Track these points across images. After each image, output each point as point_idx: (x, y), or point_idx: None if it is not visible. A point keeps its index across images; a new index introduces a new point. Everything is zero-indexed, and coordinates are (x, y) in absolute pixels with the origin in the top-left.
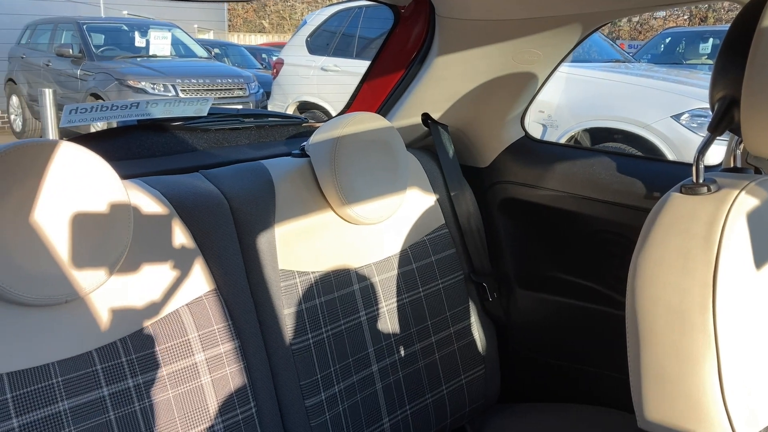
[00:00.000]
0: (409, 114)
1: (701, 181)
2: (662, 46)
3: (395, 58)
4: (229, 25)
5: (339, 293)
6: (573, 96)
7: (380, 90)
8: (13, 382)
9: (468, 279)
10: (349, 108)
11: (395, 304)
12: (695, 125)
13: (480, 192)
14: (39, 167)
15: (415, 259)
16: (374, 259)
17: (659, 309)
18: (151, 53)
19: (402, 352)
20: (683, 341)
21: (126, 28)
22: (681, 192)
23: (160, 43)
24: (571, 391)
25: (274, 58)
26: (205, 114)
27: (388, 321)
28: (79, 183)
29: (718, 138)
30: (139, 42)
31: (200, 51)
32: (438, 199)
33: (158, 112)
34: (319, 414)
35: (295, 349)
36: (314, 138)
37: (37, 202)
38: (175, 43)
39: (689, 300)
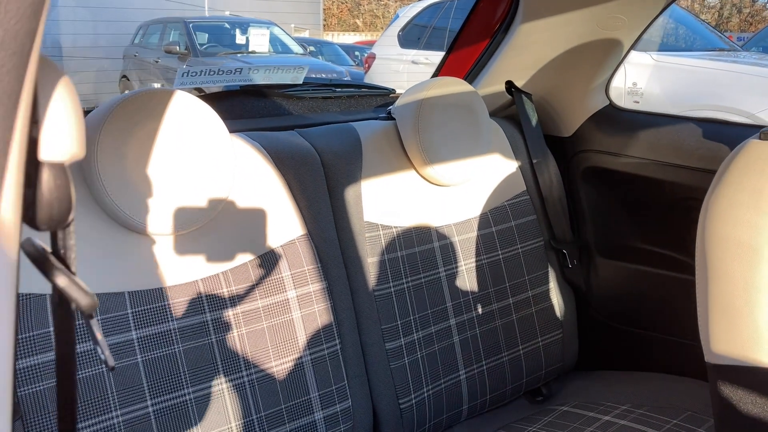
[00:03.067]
0: (493, 81)
1: None
2: None
3: (481, 26)
4: (324, 25)
5: (420, 248)
6: (672, 84)
7: (466, 58)
8: (133, 300)
9: (548, 246)
10: (437, 75)
11: (474, 264)
12: None
13: (563, 161)
14: (159, 111)
15: (495, 222)
16: (454, 220)
17: (730, 245)
18: (250, 49)
19: (479, 310)
20: (752, 275)
21: (228, 26)
22: (760, 138)
23: (259, 40)
24: (648, 360)
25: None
26: (301, 82)
27: (467, 279)
28: (192, 129)
29: None
30: (240, 39)
31: (296, 48)
32: (520, 167)
33: (259, 78)
34: (399, 357)
35: (378, 295)
36: (400, 101)
37: (156, 142)
38: (273, 40)
39: (760, 235)
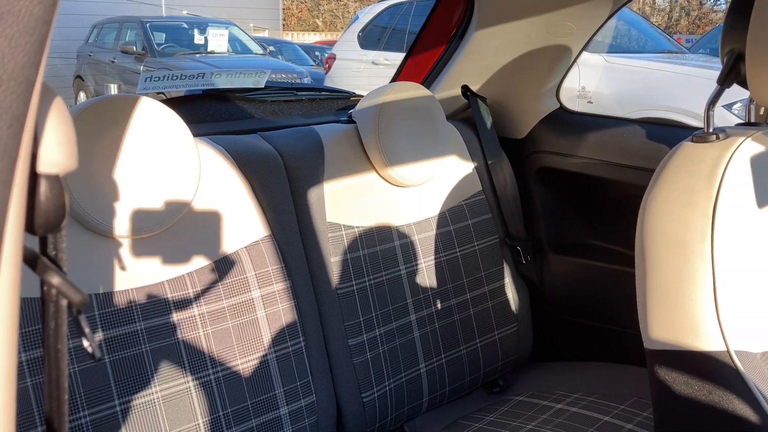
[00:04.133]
0: (449, 86)
1: (711, 130)
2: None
3: (437, 33)
4: (283, 24)
5: (381, 247)
6: (623, 85)
7: (424, 63)
8: (100, 302)
9: (503, 243)
10: (395, 80)
11: (433, 261)
12: (736, 111)
13: (517, 162)
14: (125, 117)
15: (452, 221)
16: (414, 219)
17: (665, 239)
18: (209, 50)
19: (438, 305)
20: (684, 267)
21: (186, 26)
22: (692, 141)
23: (217, 41)
24: (599, 350)
25: (326, 55)
26: (263, 86)
27: (426, 276)
28: (157, 133)
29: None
30: (198, 39)
31: (256, 48)
32: (476, 167)
33: (221, 83)
34: (361, 353)
35: (341, 293)
36: (361, 105)
37: (121, 147)
38: (232, 40)
39: (691, 231)
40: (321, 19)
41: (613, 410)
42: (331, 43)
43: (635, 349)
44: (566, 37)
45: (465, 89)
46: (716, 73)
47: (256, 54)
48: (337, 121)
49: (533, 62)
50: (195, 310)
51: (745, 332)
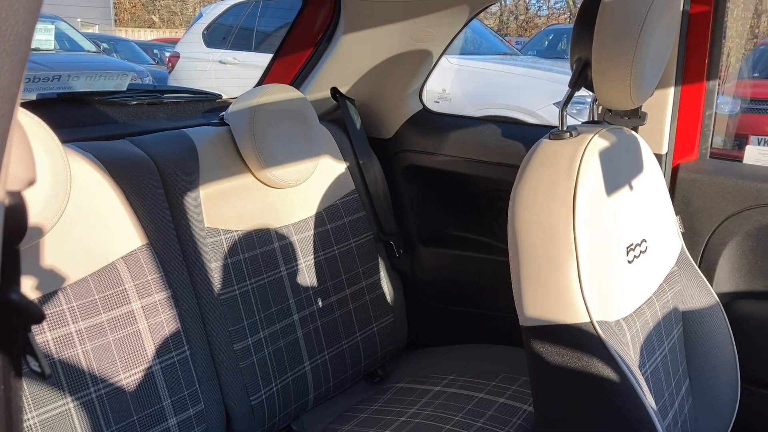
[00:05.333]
0: (319, 88)
1: (565, 128)
2: (546, 42)
3: (305, 35)
4: (115, 20)
5: (261, 250)
6: (467, 85)
7: (291, 65)
8: None
9: (377, 238)
10: (261, 82)
11: (312, 261)
12: (574, 111)
13: (386, 160)
14: None
15: (329, 220)
16: (292, 220)
17: (533, 227)
18: (33, 46)
19: (320, 304)
20: (551, 251)
21: None
22: (549, 138)
23: (42, 36)
24: (469, 333)
25: (167, 54)
26: (125, 88)
27: (306, 276)
28: None
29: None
30: None
31: (88, 45)
32: (348, 167)
33: (79, 86)
34: (247, 356)
35: (223, 298)
36: (233, 107)
37: None
38: (59, 36)
39: (555, 218)
40: (157, 16)
41: (486, 387)
42: (171, 41)
43: (501, 330)
44: (427, 42)
45: (334, 91)
46: (545, 73)
47: (89, 51)
48: (207, 124)
49: (398, 66)
50: (71, 327)
51: (604, 305)
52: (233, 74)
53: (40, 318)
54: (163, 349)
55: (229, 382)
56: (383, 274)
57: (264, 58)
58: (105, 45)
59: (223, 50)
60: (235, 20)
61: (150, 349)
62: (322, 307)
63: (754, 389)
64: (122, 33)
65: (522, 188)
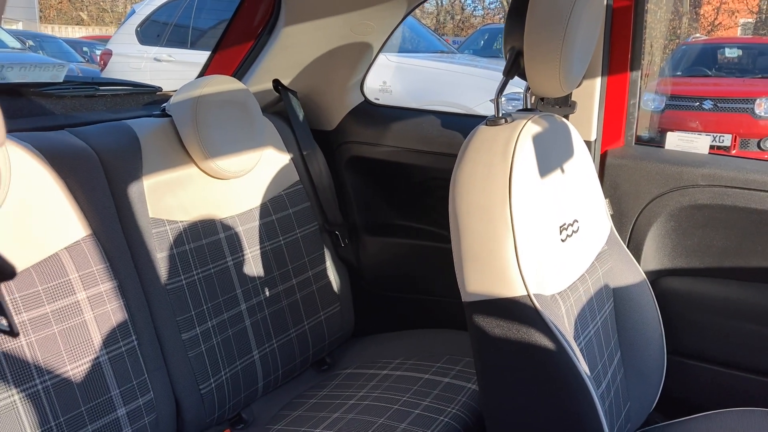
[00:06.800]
0: (261, 80)
1: (500, 115)
2: (482, 41)
3: (245, 27)
4: (41, 17)
5: (207, 240)
6: (406, 83)
7: (233, 58)
8: None
9: (323, 229)
10: (203, 75)
11: (258, 251)
12: (510, 107)
13: (329, 152)
14: None
15: (274, 211)
16: (237, 211)
17: (472, 208)
18: None
19: (267, 293)
20: (489, 229)
21: None
22: (486, 125)
23: None
24: (417, 319)
25: (98, 52)
26: (61, 80)
27: (253, 266)
28: None
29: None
30: None
31: (11, 41)
32: (292, 159)
33: (13, 76)
34: (196, 346)
35: (170, 288)
36: (175, 98)
37: None
38: None
39: (493, 198)
40: (86, 12)
41: (431, 368)
42: (101, 38)
43: (445, 315)
44: (368, 35)
45: (276, 83)
46: (482, 71)
47: (14, 48)
48: (149, 115)
49: (339, 58)
50: (15, 319)
51: (540, 279)
52: (170, 72)
53: (11, 274)
54: (110, 340)
55: (178, 371)
56: (329, 263)
57: (200, 56)
58: (31, 42)
59: (158, 47)
60: (169, 17)
61: (97, 340)
62: (269, 297)
63: (678, 359)
64: (48, 30)
65: (461, 172)
